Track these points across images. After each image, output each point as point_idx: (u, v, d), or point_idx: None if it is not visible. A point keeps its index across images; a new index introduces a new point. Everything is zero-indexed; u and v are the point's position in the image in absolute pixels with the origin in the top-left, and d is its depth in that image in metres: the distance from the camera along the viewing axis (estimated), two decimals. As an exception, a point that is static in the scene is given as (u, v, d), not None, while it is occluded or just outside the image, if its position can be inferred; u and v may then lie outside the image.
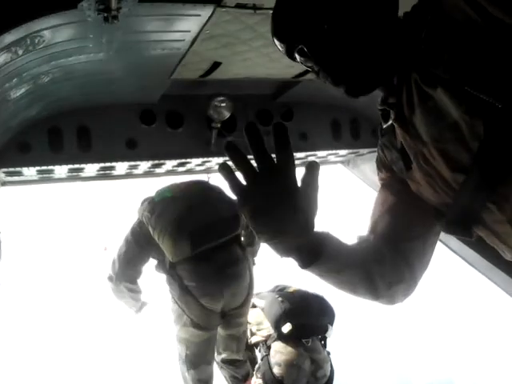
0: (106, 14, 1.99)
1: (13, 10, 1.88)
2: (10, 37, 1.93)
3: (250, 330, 4.14)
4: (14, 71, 2.30)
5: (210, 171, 4.66)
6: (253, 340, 4.17)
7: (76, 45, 2.35)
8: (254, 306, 3.29)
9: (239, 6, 2.20)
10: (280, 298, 3.89)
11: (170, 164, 3.91)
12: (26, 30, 1.97)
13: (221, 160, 4.12)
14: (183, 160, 3.79)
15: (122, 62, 2.69)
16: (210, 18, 2.28)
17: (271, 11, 2.23)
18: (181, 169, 4.24)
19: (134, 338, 6.29)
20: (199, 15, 2.27)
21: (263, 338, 4.01)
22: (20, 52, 2.13)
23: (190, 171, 4.45)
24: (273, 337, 3.90)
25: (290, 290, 4.21)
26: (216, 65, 2.90)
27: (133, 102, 3.53)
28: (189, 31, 2.45)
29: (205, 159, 3.86)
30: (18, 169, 3.36)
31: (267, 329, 3.91)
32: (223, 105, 3.42)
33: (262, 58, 2.68)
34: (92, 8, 2.03)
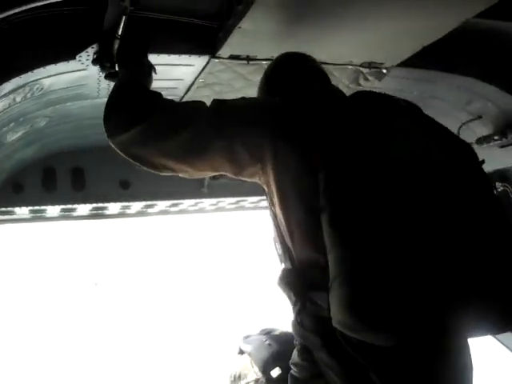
0: (103, 64, 2.05)
1: (13, 60, 1.95)
2: (9, 85, 1.98)
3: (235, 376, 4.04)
4: (12, 116, 2.35)
5: (203, 211, 4.67)
6: None
7: (73, 91, 2.41)
8: (242, 352, 3.23)
9: (233, 57, 2.28)
10: (267, 342, 3.82)
11: (162, 204, 3.93)
12: (25, 79, 2.02)
13: (213, 201, 4.15)
14: (176, 201, 3.81)
15: (117, 107, 2.75)
16: (204, 67, 2.36)
17: (264, 62, 2.35)
18: (173, 209, 4.25)
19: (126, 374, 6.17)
20: (194, 65, 2.35)
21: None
22: (18, 99, 2.18)
23: (182, 211, 4.46)
24: (261, 382, 3.82)
25: (277, 332, 4.14)
26: (210, 110, 2.97)
27: (127, 144, 3.57)
28: (184, 80, 2.52)
29: (197, 200, 3.89)
30: (10, 208, 3.37)
31: (255, 373, 3.82)
32: None
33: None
34: (90, 58, 2.10)
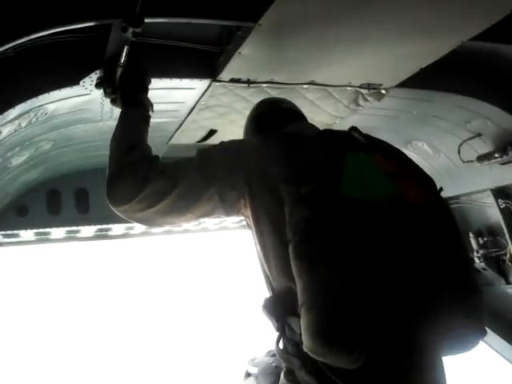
0: (105, 90, 2.09)
1: (19, 86, 1.99)
2: (14, 111, 2.02)
3: None
4: (17, 141, 2.39)
5: (207, 230, 4.69)
6: None
7: (76, 116, 2.45)
8: (248, 375, 3.20)
9: (234, 80, 2.32)
10: (274, 364, 3.78)
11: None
12: (30, 105, 2.06)
13: (217, 220, 4.17)
14: None
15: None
16: (205, 90, 2.40)
17: (264, 85, 2.39)
18: (177, 228, 4.27)
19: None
20: (195, 88, 2.39)
21: None
22: (23, 124, 2.22)
23: (186, 231, 4.48)
24: (268, 404, 3.76)
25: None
26: (212, 132, 3.01)
27: (131, 165, 3.60)
28: (186, 102, 2.56)
29: (201, 220, 3.90)
30: (15, 231, 3.39)
31: None
32: None
33: (256, 125, 2.79)
34: (93, 83, 2.14)
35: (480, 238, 3.47)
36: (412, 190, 1.60)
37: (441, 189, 1.74)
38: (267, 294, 1.67)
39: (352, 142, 1.70)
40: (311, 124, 2.04)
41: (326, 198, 1.44)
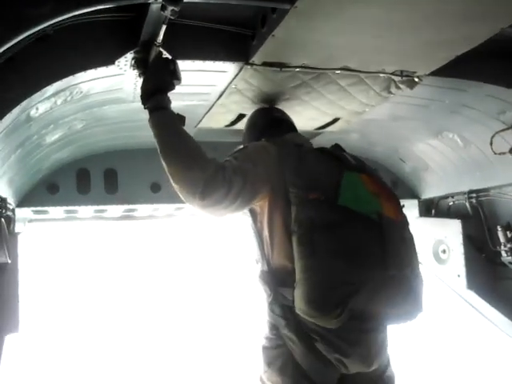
0: (140, 71, 2.12)
1: (57, 64, 2.03)
2: (51, 89, 2.06)
3: None
4: (51, 118, 2.44)
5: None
6: None
7: (110, 95, 2.49)
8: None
9: (266, 64, 2.32)
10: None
11: (191, 208, 3.98)
12: (66, 83, 2.10)
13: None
14: None
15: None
16: (237, 74, 2.40)
17: (297, 69, 2.38)
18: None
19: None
20: (227, 71, 2.40)
21: None
22: (59, 102, 2.27)
23: (210, 215, 4.52)
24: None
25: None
26: (241, 116, 3.02)
27: (159, 147, 3.65)
28: (217, 85, 2.57)
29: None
30: (45, 208, 3.47)
31: None
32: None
33: (287, 111, 2.78)
34: (128, 64, 2.17)
35: (508, 232, 3.41)
36: (389, 208, 2.04)
37: (403, 205, 2.19)
38: (261, 268, 2.07)
39: (346, 161, 2.13)
40: (304, 137, 2.45)
41: (328, 205, 1.90)
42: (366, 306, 1.86)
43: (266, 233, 2.04)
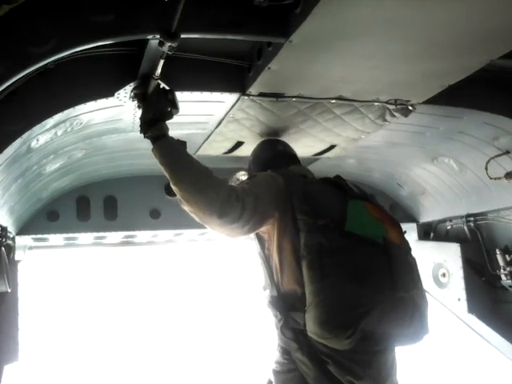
0: (139, 103, 2.17)
1: (57, 97, 2.07)
2: (52, 121, 2.11)
3: None
4: (52, 149, 2.48)
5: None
6: None
7: (110, 126, 2.54)
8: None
9: (262, 94, 2.37)
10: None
11: (191, 233, 4.00)
12: (66, 115, 2.15)
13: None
14: (204, 230, 3.88)
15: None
16: (234, 104, 2.45)
17: (293, 99, 2.43)
18: (201, 238, 4.32)
19: None
20: (225, 102, 2.45)
21: None
22: (59, 133, 2.31)
23: (210, 240, 4.53)
24: None
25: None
26: (239, 144, 3.06)
27: (158, 174, 3.68)
28: (214, 115, 2.62)
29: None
30: (45, 235, 3.49)
31: None
32: (245, 178, 3.55)
33: (284, 138, 2.83)
34: (127, 95, 2.22)
35: (507, 255, 3.42)
36: (392, 233, 2.12)
37: (405, 231, 2.25)
38: (270, 293, 2.11)
39: (349, 189, 2.21)
40: (307, 168, 2.58)
41: (336, 231, 1.96)
42: (376, 327, 1.90)
43: (275, 259, 2.09)
